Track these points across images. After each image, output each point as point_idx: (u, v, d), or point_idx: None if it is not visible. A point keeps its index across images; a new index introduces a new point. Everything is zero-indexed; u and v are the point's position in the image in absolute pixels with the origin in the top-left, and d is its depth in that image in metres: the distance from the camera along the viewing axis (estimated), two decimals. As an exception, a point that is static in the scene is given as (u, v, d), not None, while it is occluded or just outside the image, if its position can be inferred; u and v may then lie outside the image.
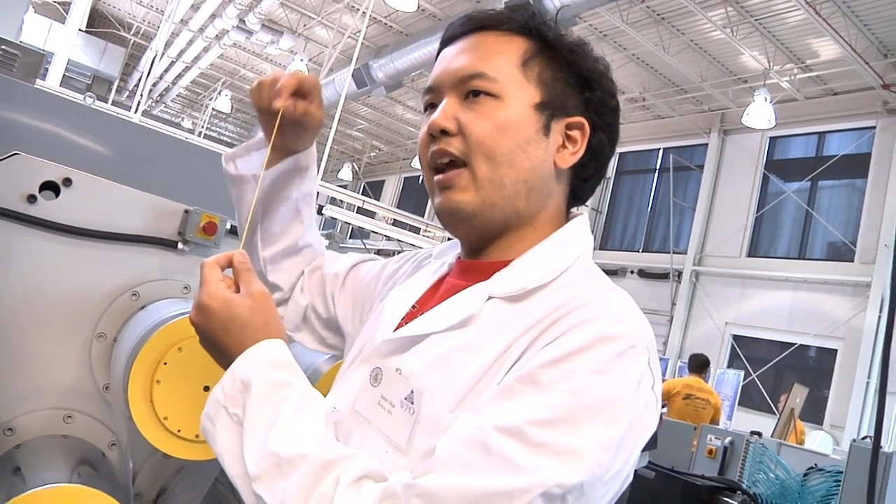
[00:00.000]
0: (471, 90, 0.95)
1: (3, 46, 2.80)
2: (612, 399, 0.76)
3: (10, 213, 1.44)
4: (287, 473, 0.77)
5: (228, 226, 1.68)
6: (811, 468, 4.10)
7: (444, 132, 0.95)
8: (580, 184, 1.03)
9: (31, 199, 1.46)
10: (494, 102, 0.94)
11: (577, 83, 0.98)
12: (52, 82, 10.87)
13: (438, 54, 1.04)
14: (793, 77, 11.74)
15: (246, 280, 0.93)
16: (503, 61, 0.96)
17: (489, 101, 0.94)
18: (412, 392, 0.88)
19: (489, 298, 0.92)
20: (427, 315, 0.95)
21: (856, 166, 11.66)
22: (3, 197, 1.44)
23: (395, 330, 0.98)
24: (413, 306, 1.02)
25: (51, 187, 1.49)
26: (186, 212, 1.62)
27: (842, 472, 3.78)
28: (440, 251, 1.14)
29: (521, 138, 0.94)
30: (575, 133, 0.98)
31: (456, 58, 0.99)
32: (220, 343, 0.91)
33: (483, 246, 1.00)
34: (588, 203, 1.14)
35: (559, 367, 0.77)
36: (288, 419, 0.82)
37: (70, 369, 1.52)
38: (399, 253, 1.30)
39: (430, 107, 1.00)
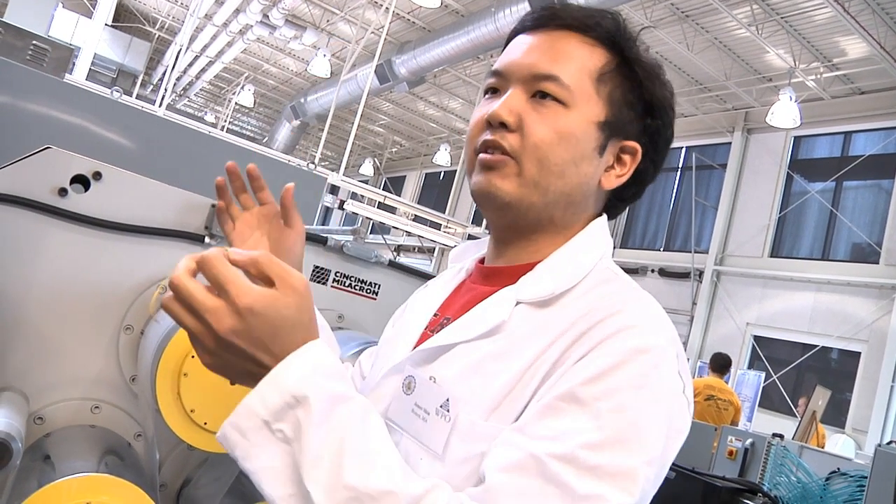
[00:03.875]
0: (540, 90, 0.92)
1: (34, 42, 2.84)
2: (654, 413, 0.78)
3: (42, 206, 1.46)
4: None
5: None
6: (834, 472, 4.06)
7: (504, 125, 0.92)
8: (616, 203, 1.02)
9: (62, 192, 1.48)
10: (561, 109, 0.91)
11: (642, 108, 0.96)
12: (78, 76, 10.95)
13: (511, 38, 1.00)
14: (819, 76, 11.60)
15: (279, 274, 0.74)
16: (580, 70, 0.93)
17: (556, 107, 0.91)
18: (447, 400, 0.87)
19: (517, 304, 0.91)
20: (457, 323, 0.94)
21: (882, 167, 11.52)
22: (35, 190, 1.45)
23: (419, 338, 0.98)
24: (435, 314, 1.02)
25: (81, 181, 1.51)
26: (213, 206, 1.63)
27: (866, 477, 3.74)
28: (456, 255, 1.13)
29: (577, 152, 0.92)
30: (626, 157, 0.97)
31: (533, 51, 0.95)
32: (260, 353, 0.74)
33: (511, 238, 0.98)
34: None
35: (599, 383, 0.77)
36: (358, 444, 0.73)
37: (98, 361, 1.54)
38: (418, 249, 1.28)
39: (492, 91, 0.98)
